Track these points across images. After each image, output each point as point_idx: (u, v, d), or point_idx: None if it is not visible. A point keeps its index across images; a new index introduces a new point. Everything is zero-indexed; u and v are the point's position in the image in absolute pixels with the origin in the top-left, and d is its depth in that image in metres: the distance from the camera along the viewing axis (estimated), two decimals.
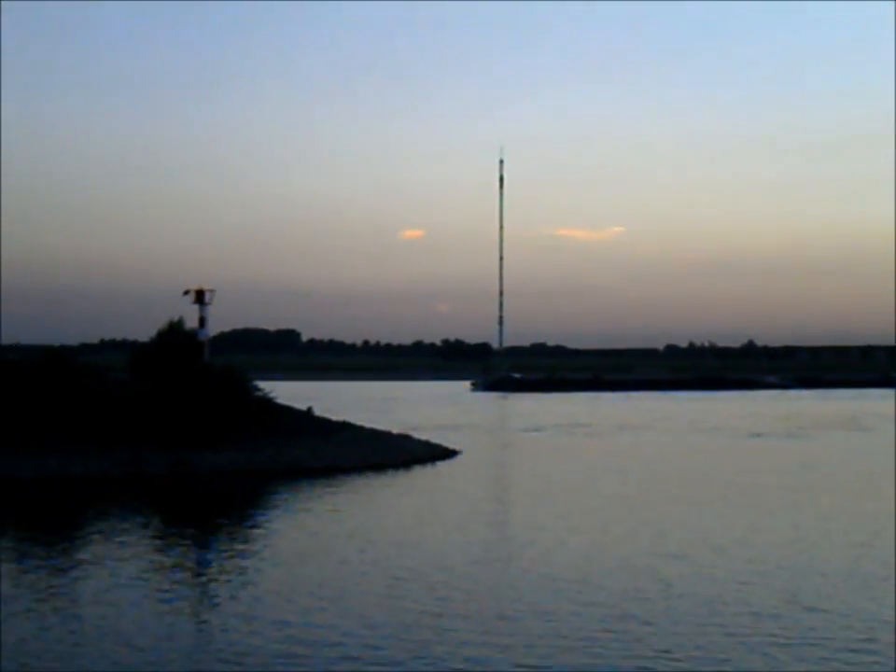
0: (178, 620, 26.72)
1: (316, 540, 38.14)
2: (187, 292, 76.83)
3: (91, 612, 27.31)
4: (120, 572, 32.22)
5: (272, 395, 68.86)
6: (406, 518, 43.69)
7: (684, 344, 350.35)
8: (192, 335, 76.19)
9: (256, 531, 41.48)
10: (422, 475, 60.65)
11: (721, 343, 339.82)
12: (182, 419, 61.18)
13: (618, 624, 26.10)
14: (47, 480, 53.53)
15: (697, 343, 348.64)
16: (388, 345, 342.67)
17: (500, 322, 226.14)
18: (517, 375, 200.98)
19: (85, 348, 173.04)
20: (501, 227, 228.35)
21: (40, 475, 53.90)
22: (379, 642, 24.46)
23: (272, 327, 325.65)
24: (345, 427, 71.96)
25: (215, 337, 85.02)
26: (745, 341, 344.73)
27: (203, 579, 32.20)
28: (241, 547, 37.33)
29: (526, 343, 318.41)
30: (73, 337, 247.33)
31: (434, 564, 33.69)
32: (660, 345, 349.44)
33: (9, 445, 55.97)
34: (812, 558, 34.80)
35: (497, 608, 28.01)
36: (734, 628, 25.79)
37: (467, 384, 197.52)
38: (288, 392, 79.26)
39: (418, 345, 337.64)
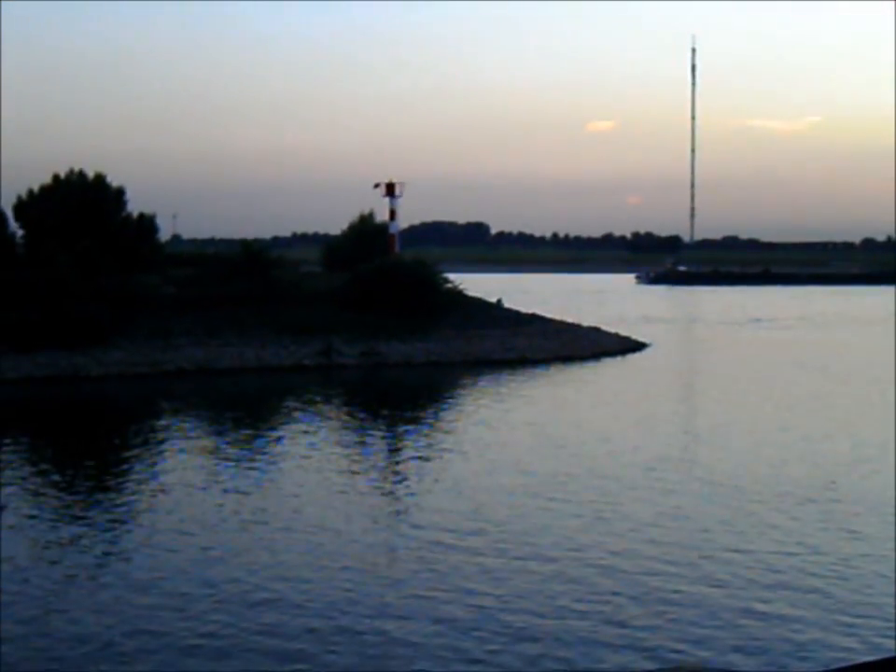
0: (356, 511, 27.01)
1: (500, 432, 38.12)
2: (377, 185, 77.34)
3: (276, 505, 27.96)
4: (307, 465, 32.39)
5: (461, 287, 69.28)
6: (592, 411, 43.53)
7: (882, 238, 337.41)
8: (383, 228, 77.01)
9: (441, 421, 42.01)
10: (612, 367, 60.35)
11: None
12: (373, 311, 62.11)
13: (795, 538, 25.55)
14: (243, 369, 55.24)
15: None
16: (578, 238, 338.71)
17: (692, 215, 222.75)
18: (682, 268, 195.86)
19: (277, 241, 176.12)
20: (693, 118, 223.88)
21: (237, 365, 55.60)
22: (547, 541, 23.99)
23: (461, 219, 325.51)
24: (534, 319, 72.06)
25: (404, 230, 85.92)
26: None
27: (384, 467, 32.68)
28: (425, 438, 37.65)
29: (718, 236, 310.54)
30: (266, 230, 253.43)
31: (611, 462, 32.81)
32: (857, 239, 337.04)
33: (209, 336, 57.77)
34: None
35: (666, 520, 27.00)
36: None
37: (632, 276, 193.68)
38: (477, 284, 79.51)
39: (608, 238, 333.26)
